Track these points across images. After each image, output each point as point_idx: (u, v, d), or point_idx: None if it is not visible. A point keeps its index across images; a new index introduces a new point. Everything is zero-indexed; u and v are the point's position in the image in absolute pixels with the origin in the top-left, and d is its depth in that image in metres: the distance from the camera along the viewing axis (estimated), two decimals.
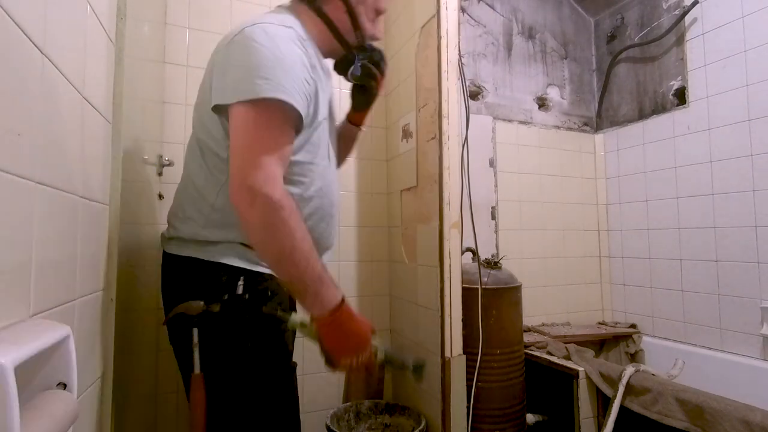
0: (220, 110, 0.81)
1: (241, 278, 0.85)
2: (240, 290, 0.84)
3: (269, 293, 0.88)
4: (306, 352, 1.45)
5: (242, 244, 0.86)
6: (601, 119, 2.52)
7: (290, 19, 0.89)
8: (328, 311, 0.79)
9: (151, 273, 1.35)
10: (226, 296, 0.83)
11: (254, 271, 0.87)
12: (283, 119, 0.78)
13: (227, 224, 0.85)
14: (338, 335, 0.81)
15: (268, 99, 0.75)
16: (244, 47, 0.79)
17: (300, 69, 0.80)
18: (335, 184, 1.00)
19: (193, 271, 0.87)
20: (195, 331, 0.83)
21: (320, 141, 0.92)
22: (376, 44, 1.02)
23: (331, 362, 0.85)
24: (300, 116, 0.80)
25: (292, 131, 0.81)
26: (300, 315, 0.87)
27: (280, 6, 0.96)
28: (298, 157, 0.87)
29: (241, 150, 0.76)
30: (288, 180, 0.84)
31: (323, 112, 0.92)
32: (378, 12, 0.96)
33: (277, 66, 0.76)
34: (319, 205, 0.93)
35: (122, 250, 0.91)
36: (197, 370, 0.82)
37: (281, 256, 0.76)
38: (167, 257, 0.92)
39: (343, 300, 0.81)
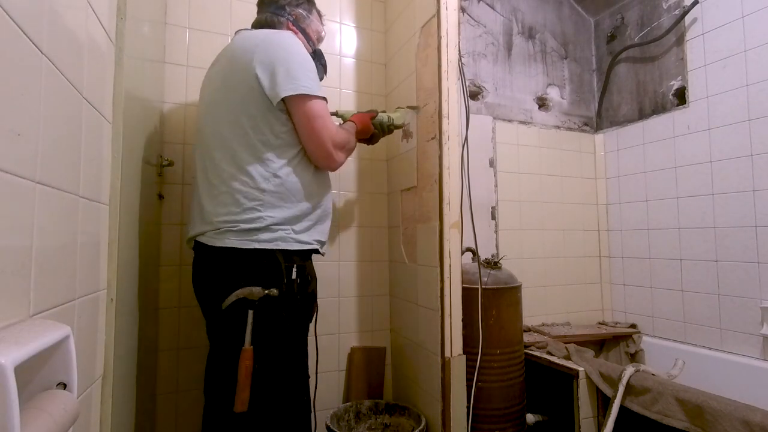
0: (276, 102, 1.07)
1: (294, 265, 1.05)
2: (294, 275, 1.05)
3: (310, 278, 1.12)
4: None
5: (292, 229, 1.09)
6: (601, 119, 2.52)
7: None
8: (356, 130, 1.34)
9: (151, 273, 1.35)
10: (284, 281, 1.03)
11: (305, 250, 1.10)
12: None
13: (283, 201, 1.07)
14: (362, 132, 1.40)
15: (318, 96, 1.11)
16: (280, 48, 1.09)
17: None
18: None
19: (250, 260, 1.03)
20: (251, 312, 1.00)
21: None
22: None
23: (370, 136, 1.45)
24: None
25: None
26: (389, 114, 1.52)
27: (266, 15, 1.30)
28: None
29: (326, 124, 1.11)
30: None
31: None
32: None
33: (313, 69, 1.13)
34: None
35: (122, 250, 0.91)
36: (248, 344, 0.99)
37: (350, 149, 1.25)
38: (218, 251, 1.05)
39: (354, 123, 1.35)
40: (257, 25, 1.28)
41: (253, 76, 1.05)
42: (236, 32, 1.24)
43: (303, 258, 1.10)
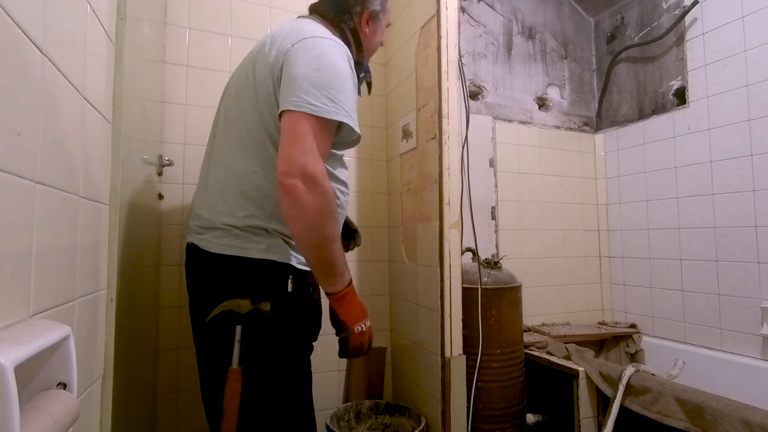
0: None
1: (291, 276, 0.93)
2: (290, 288, 0.93)
3: (311, 289, 1.00)
4: None
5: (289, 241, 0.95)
6: (601, 119, 2.52)
7: (337, 38, 0.99)
8: (345, 285, 0.93)
9: (151, 273, 1.35)
10: (278, 294, 0.91)
11: (300, 269, 0.96)
12: (334, 131, 0.91)
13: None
14: (352, 304, 0.95)
15: (333, 120, 0.88)
16: (317, 59, 0.89)
17: (354, 89, 0.95)
18: (347, 204, 1.13)
19: (240, 270, 0.91)
20: (239, 328, 0.88)
21: (342, 155, 1.06)
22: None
23: (345, 343, 0.96)
24: (357, 134, 0.94)
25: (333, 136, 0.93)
26: None
27: (314, 17, 1.06)
28: (332, 170, 0.99)
29: (303, 144, 0.84)
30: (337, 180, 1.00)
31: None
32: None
33: (343, 87, 0.90)
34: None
35: (122, 250, 0.91)
36: (236, 364, 0.87)
37: (326, 241, 0.87)
38: (209, 256, 0.93)
39: (351, 279, 0.96)
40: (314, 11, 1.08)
41: (275, 76, 0.91)
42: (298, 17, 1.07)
43: (299, 273, 0.96)
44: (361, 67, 1.09)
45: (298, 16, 1.07)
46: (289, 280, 0.93)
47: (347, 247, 1.18)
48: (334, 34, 0.99)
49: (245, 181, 0.93)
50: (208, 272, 0.94)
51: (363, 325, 0.96)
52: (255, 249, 0.91)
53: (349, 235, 1.20)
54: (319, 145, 0.86)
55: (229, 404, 0.86)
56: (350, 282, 0.94)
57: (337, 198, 0.97)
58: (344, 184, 1.04)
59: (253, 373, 0.89)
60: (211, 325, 0.91)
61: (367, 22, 1.08)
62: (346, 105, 0.89)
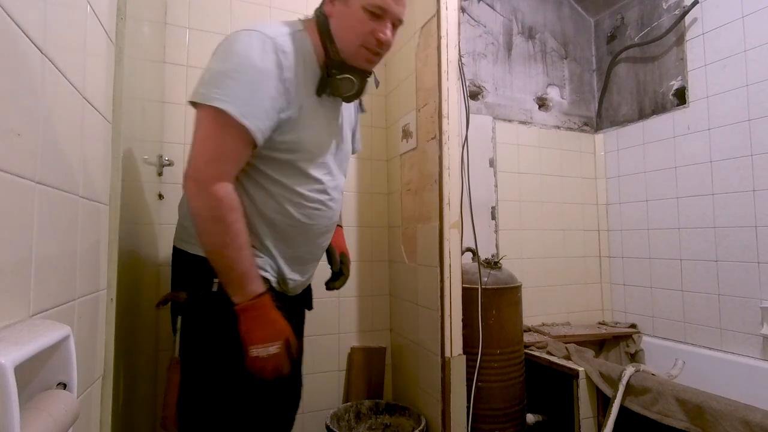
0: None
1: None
2: (215, 287, 0.88)
3: None
4: (305, 354, 1.45)
5: None
6: (601, 119, 2.52)
7: (285, 30, 0.89)
8: (248, 298, 0.84)
9: (151, 273, 1.35)
10: (199, 291, 0.89)
11: None
12: (236, 127, 0.82)
13: None
14: (254, 321, 0.84)
15: (220, 109, 0.80)
16: (221, 50, 0.86)
17: (267, 84, 0.84)
18: (327, 211, 1.00)
19: (183, 263, 0.95)
20: (179, 318, 0.91)
21: (306, 166, 0.94)
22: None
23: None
24: (247, 129, 0.82)
25: (245, 137, 0.84)
26: None
27: (300, 19, 0.98)
28: (280, 178, 0.92)
29: (197, 145, 0.83)
30: (261, 193, 0.92)
31: (309, 135, 0.93)
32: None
33: (238, 75, 0.82)
34: (295, 225, 0.96)
35: (122, 250, 0.91)
36: (176, 353, 0.88)
37: (215, 246, 0.84)
38: (173, 250, 0.99)
39: (266, 293, 0.86)
40: None
41: None
42: None
43: None
44: (333, 63, 0.92)
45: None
46: (215, 279, 0.88)
47: (331, 283, 1.15)
48: (305, 28, 0.93)
49: None
50: (172, 265, 0.99)
51: (264, 350, 0.83)
52: (194, 245, 0.91)
53: (335, 266, 1.16)
54: (217, 144, 0.82)
55: (168, 394, 0.86)
56: (257, 296, 0.84)
57: (284, 208, 0.93)
58: (301, 196, 0.94)
59: (186, 364, 0.90)
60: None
61: (333, 2, 0.92)
62: (233, 91, 0.81)
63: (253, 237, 0.92)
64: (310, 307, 1.19)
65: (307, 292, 1.16)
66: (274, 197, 0.93)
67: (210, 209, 0.81)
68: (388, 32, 0.91)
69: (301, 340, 1.15)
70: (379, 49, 0.92)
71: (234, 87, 0.81)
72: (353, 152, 1.20)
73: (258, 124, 0.83)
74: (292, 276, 1.00)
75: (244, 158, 0.86)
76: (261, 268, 0.92)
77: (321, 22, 0.93)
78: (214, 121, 0.81)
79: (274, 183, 0.92)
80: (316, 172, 0.96)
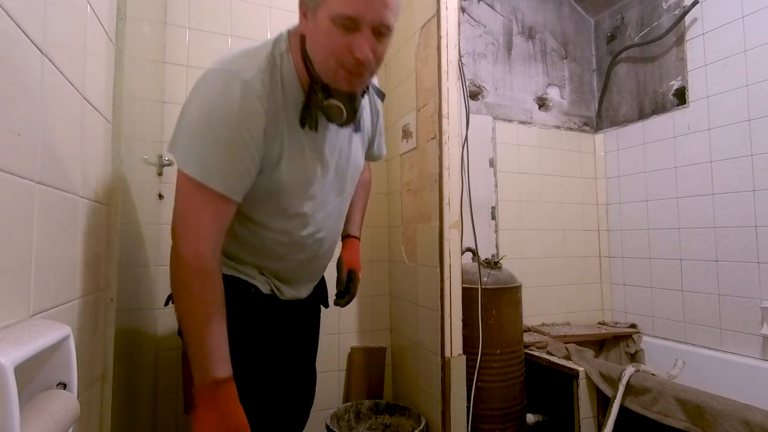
0: None
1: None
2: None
3: (231, 294, 0.87)
4: None
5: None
6: (601, 119, 2.52)
7: (260, 63, 0.80)
8: (206, 383, 0.73)
9: (151, 273, 1.35)
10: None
11: (243, 282, 0.91)
12: (216, 196, 0.78)
13: None
14: (205, 410, 0.73)
15: (201, 183, 0.76)
16: (194, 99, 0.79)
17: (241, 141, 0.77)
18: (313, 244, 0.96)
19: None
20: None
21: (287, 203, 0.88)
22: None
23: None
24: (230, 198, 0.79)
25: (226, 203, 0.80)
26: None
27: (276, 36, 0.86)
28: (259, 218, 0.88)
29: (176, 210, 0.80)
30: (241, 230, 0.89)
31: (290, 173, 0.85)
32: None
33: (216, 141, 0.76)
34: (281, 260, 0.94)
35: (122, 250, 0.91)
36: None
37: (181, 313, 0.78)
38: None
39: (228, 380, 0.75)
40: None
41: None
42: None
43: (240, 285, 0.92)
44: (316, 86, 0.81)
45: None
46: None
47: (336, 300, 1.11)
48: (290, 45, 0.83)
49: None
50: None
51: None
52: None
53: (341, 285, 1.11)
54: (196, 211, 0.78)
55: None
56: (216, 381, 0.73)
57: (267, 248, 0.91)
58: (284, 233, 0.91)
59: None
60: None
61: (305, 15, 0.78)
62: (207, 156, 0.77)
63: (239, 258, 0.91)
64: (326, 304, 1.15)
65: (321, 288, 1.12)
66: (257, 235, 0.90)
67: (177, 274, 0.77)
68: (366, 47, 0.74)
69: (317, 336, 1.14)
70: (357, 69, 0.76)
71: (209, 152, 0.76)
72: (374, 159, 1.14)
73: (234, 187, 0.79)
74: (287, 290, 0.98)
75: (225, 217, 0.81)
76: (248, 275, 0.91)
77: (301, 42, 0.82)
78: (194, 187, 0.77)
79: (254, 223, 0.89)
80: (298, 208, 0.90)
